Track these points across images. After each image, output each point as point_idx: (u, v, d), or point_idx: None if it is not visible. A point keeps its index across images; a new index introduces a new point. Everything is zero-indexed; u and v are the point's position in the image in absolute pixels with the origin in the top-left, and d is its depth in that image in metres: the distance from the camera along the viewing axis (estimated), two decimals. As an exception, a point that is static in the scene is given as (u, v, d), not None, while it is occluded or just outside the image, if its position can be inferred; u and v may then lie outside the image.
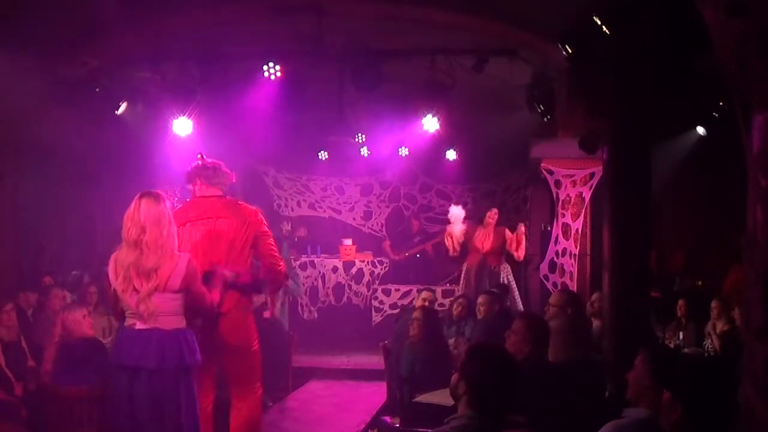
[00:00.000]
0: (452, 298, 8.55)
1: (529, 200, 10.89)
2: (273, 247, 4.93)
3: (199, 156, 4.93)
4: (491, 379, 2.90)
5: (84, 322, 5.59)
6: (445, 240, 9.92)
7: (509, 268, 9.74)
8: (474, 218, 10.29)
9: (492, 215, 9.77)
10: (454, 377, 3.01)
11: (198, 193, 4.91)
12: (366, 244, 11.65)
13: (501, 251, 9.66)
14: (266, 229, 4.93)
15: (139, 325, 4.13)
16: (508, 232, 9.70)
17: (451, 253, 9.89)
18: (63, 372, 5.43)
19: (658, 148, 7.58)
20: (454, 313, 7.59)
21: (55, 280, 8.50)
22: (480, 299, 7.39)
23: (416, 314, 6.05)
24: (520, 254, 9.63)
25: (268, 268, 4.90)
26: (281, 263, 4.98)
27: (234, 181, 5.12)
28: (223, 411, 5.04)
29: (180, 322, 4.19)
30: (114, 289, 4.14)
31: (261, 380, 5.05)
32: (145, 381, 4.09)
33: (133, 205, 4.12)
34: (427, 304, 7.32)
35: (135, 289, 4.07)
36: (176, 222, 4.33)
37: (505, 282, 9.43)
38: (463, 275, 9.74)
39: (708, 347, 7.39)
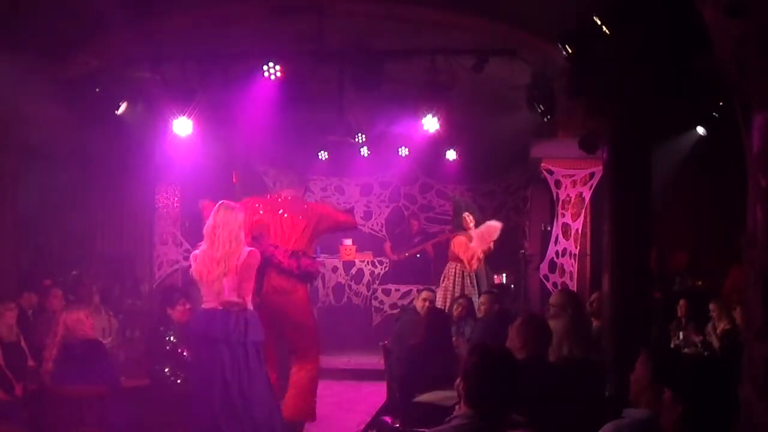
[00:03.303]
0: (452, 299, 8.55)
1: (529, 200, 10.89)
2: (336, 215, 6.45)
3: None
4: (490, 378, 2.90)
5: (86, 323, 5.60)
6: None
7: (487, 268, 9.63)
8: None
9: (468, 219, 9.40)
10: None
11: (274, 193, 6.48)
12: (366, 244, 11.65)
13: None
14: (323, 209, 6.40)
15: (215, 305, 5.23)
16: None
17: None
18: (64, 372, 5.43)
19: (658, 148, 7.58)
20: (454, 313, 7.59)
21: (55, 280, 8.49)
22: (481, 299, 7.39)
23: (423, 315, 6.05)
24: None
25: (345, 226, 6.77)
26: (346, 216, 6.61)
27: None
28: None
29: (246, 304, 5.29)
30: (193, 274, 5.33)
31: (318, 351, 6.36)
32: (225, 351, 5.12)
33: (214, 209, 5.36)
34: (427, 304, 7.32)
35: (209, 273, 5.22)
36: (259, 211, 5.97)
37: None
38: (452, 276, 9.33)
39: (704, 339, 7.41)
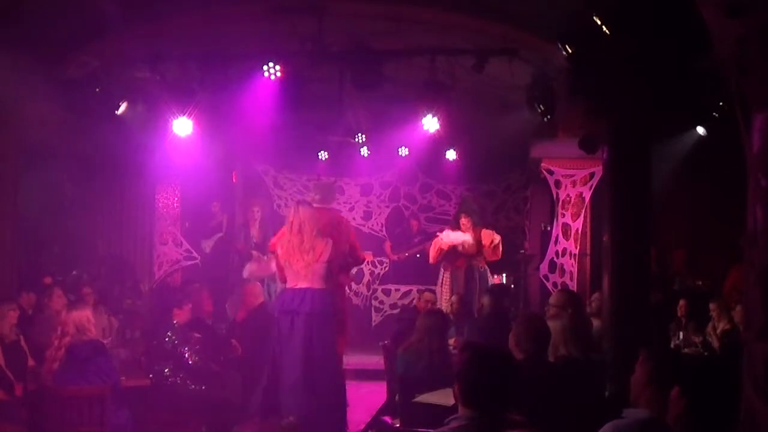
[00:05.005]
0: (450, 299, 8.54)
1: (529, 200, 10.89)
2: (356, 247, 7.14)
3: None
4: (483, 374, 2.89)
5: (92, 322, 5.62)
6: (433, 246, 9.52)
7: (488, 268, 9.61)
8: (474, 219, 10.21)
9: (465, 222, 9.37)
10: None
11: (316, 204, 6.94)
12: (366, 244, 11.62)
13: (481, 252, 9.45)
14: (353, 236, 7.15)
15: (300, 285, 6.23)
16: (485, 233, 9.44)
17: (431, 261, 9.64)
18: (66, 372, 5.43)
19: (658, 148, 7.57)
20: (452, 313, 7.58)
21: (55, 279, 8.48)
22: (483, 299, 7.38)
23: (420, 316, 6.04)
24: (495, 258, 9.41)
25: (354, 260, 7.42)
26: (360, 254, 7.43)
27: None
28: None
29: (326, 284, 6.28)
30: (281, 262, 6.33)
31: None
32: (303, 322, 6.13)
33: (293, 209, 6.44)
34: (429, 305, 7.32)
35: (297, 261, 6.20)
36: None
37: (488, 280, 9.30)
38: (449, 278, 9.34)
39: (704, 339, 7.41)
